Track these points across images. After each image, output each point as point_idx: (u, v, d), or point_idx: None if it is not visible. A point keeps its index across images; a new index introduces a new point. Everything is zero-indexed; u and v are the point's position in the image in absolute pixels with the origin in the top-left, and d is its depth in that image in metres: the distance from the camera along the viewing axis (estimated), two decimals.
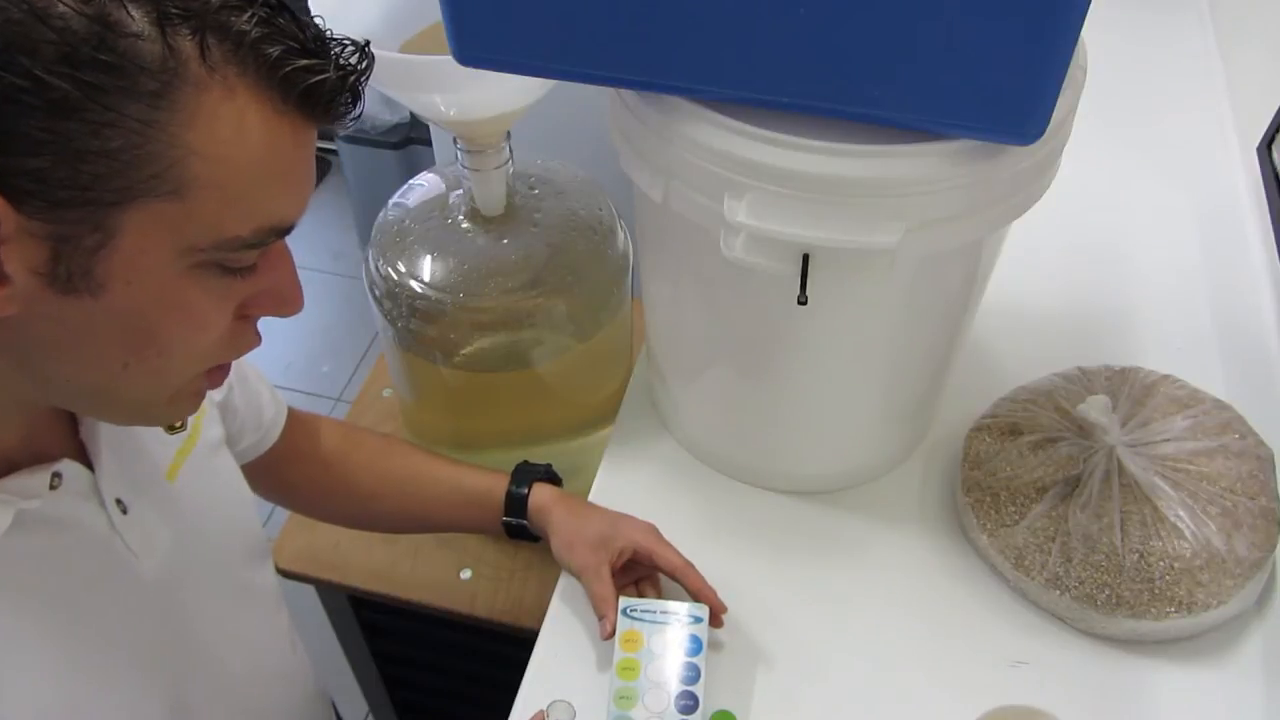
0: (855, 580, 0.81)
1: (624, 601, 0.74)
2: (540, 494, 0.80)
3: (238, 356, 0.51)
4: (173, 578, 0.58)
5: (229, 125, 0.40)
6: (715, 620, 0.75)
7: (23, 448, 0.50)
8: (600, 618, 0.73)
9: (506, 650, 0.94)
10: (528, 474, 0.81)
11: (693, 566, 0.75)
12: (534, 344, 0.95)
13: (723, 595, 0.75)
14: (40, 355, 0.44)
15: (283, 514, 1.01)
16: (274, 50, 0.41)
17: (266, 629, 0.71)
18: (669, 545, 0.76)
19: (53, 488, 0.50)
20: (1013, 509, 0.79)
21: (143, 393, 0.47)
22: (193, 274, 0.43)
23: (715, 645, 0.76)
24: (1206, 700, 0.73)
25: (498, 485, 0.80)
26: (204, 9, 0.39)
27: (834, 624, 0.78)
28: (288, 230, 0.46)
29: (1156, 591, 0.73)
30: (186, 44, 0.39)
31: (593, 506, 0.81)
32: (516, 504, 0.80)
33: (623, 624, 0.73)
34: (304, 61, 0.42)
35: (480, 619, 1.00)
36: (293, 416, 0.79)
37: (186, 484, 0.61)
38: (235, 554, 0.67)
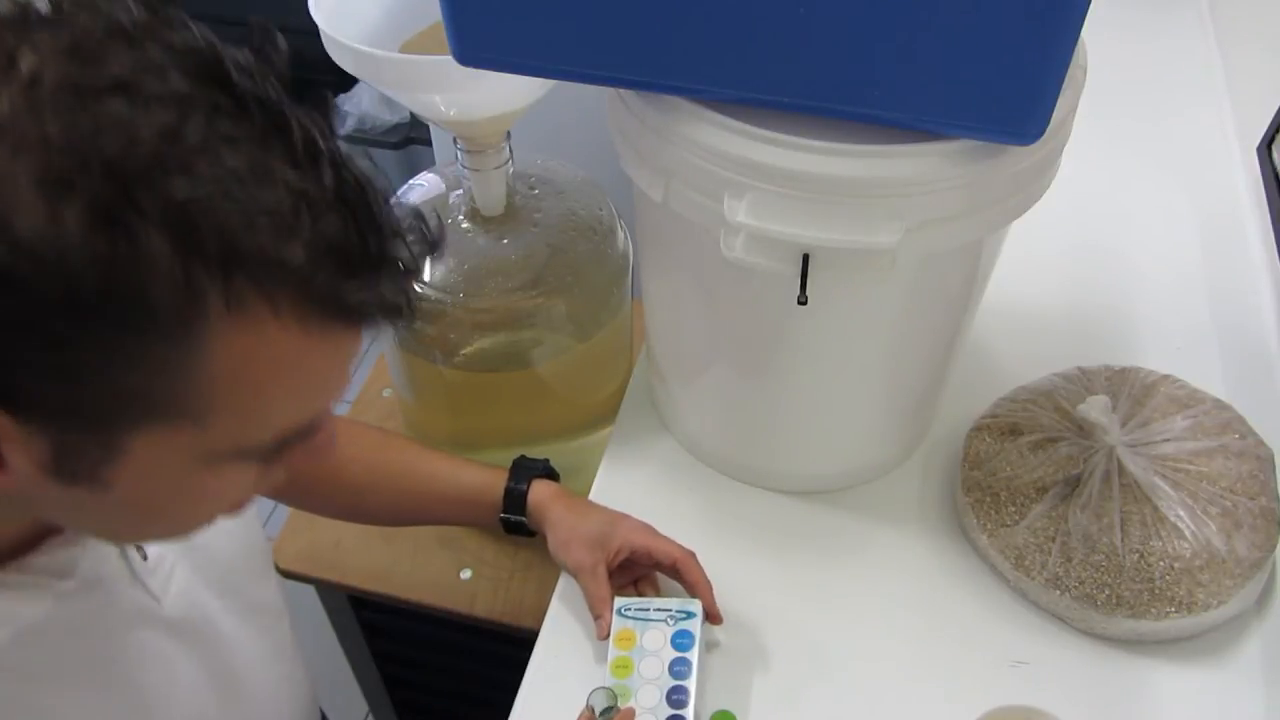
0: (855, 580, 0.81)
1: (619, 601, 0.74)
2: (539, 490, 0.80)
3: (262, 495, 0.49)
4: (191, 610, 0.58)
5: (254, 355, 0.37)
6: (714, 618, 0.74)
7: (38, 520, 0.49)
8: (596, 617, 0.74)
9: (506, 650, 0.94)
10: (526, 470, 0.81)
11: (693, 555, 0.75)
12: (534, 344, 0.95)
13: (722, 595, 0.75)
14: (40, 512, 0.44)
15: (282, 514, 1.01)
16: (322, 276, 0.36)
17: (270, 644, 0.70)
18: (667, 538, 0.76)
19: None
20: (1013, 509, 0.79)
21: (152, 539, 0.49)
22: (211, 465, 0.41)
23: (714, 645, 0.76)
24: (1206, 700, 0.73)
25: (496, 481, 0.80)
26: (244, 244, 0.34)
27: (834, 624, 0.78)
28: (320, 421, 0.43)
29: (1156, 591, 0.73)
30: (210, 283, 0.34)
31: (591, 504, 0.81)
32: (515, 500, 0.79)
33: (617, 623, 0.73)
34: (357, 282, 0.37)
35: (480, 619, 1.00)
36: None
37: None
38: (241, 573, 0.66)
